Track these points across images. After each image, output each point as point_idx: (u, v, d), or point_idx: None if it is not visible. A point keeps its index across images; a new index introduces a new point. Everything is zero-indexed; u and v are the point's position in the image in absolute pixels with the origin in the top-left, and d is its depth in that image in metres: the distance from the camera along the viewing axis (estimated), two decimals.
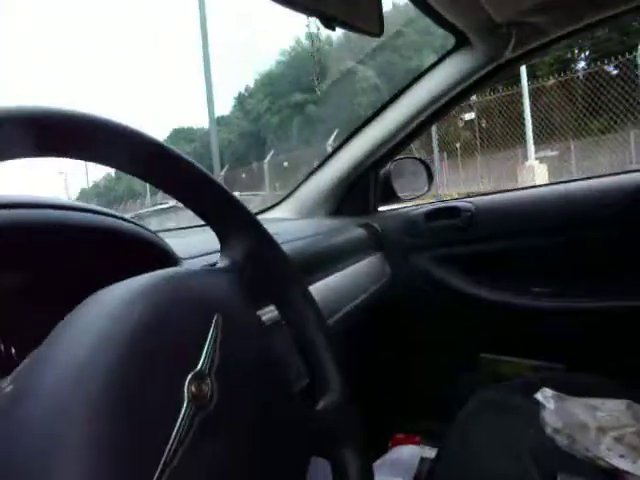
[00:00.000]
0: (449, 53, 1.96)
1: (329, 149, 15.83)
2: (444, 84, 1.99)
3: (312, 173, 2.29)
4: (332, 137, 16.15)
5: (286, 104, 31.88)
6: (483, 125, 18.21)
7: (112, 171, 61.75)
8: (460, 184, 17.52)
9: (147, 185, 31.31)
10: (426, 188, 2.37)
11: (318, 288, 1.48)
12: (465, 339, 2.24)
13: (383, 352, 2.32)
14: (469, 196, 2.32)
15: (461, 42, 1.89)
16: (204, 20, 18.10)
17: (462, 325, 2.23)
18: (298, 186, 2.31)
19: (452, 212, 2.19)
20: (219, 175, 19.06)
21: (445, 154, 18.43)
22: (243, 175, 22.41)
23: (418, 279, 2.24)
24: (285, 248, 1.03)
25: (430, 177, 2.38)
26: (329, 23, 1.05)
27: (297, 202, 2.28)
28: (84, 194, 64.57)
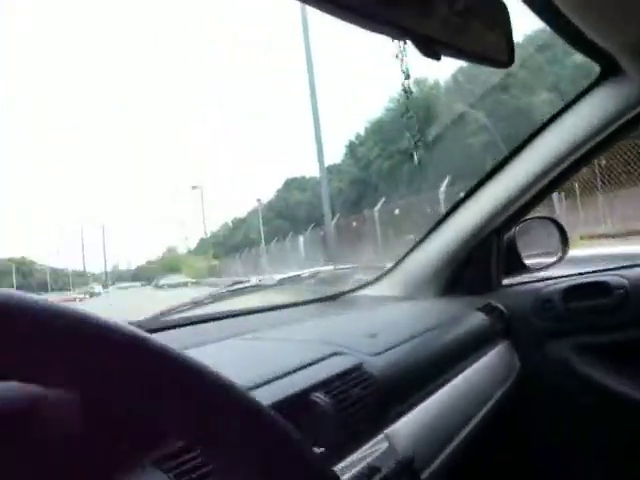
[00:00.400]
0: (592, 87, 1.53)
1: (441, 196, 15.36)
2: (588, 126, 1.56)
3: (421, 241, 1.90)
4: (444, 184, 15.66)
5: (396, 150, 31.65)
6: (602, 163, 17.19)
7: (229, 220, 64.38)
8: (580, 226, 16.47)
9: (262, 233, 31.94)
10: (560, 254, 1.92)
11: (424, 412, 1.15)
12: (623, 454, 1.74)
13: (513, 476, 1.84)
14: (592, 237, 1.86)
15: (608, 71, 1.47)
16: (312, 73, 18.33)
17: (617, 435, 1.74)
18: (404, 257, 1.93)
19: (599, 288, 1.73)
20: (330, 224, 18.97)
21: (563, 195, 17.44)
22: (354, 224, 22.24)
23: (555, 374, 1.78)
24: (383, 360, 0.99)
25: (565, 240, 1.94)
26: (432, 51, 0.67)
27: (402, 277, 1.91)
28: (202, 243, 67.40)
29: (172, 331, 1.50)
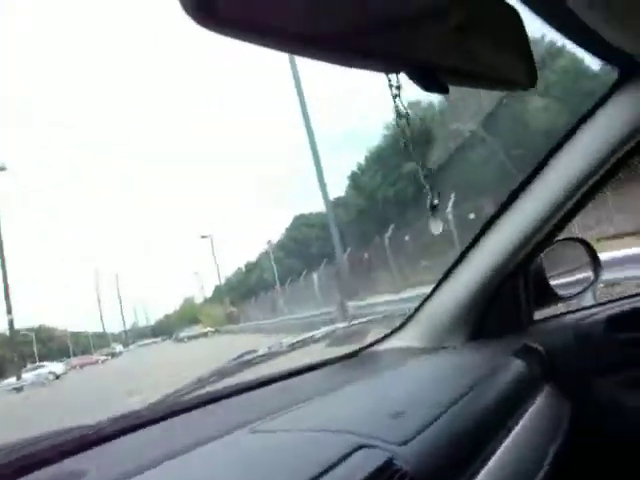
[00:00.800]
0: (610, 94, 1.38)
1: (449, 217, 15.16)
2: (610, 138, 1.40)
3: (440, 284, 1.73)
4: (450, 204, 15.44)
5: (399, 175, 31.61)
6: None
7: (242, 265, 64.41)
8: (591, 228, 15.92)
9: (275, 274, 31.80)
10: (592, 276, 1.75)
11: None
12: None
13: None
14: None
15: (629, 74, 1.31)
16: (307, 115, 18.37)
17: None
18: (424, 302, 1.76)
19: None
20: (342, 258, 18.82)
21: None
22: (366, 255, 22.06)
23: (610, 416, 1.58)
24: (416, 449, 0.85)
25: (596, 261, 1.76)
26: (435, 82, 0.52)
27: (425, 324, 1.74)
28: (218, 291, 67.51)
29: (175, 420, 1.35)
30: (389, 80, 0.55)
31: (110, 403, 10.02)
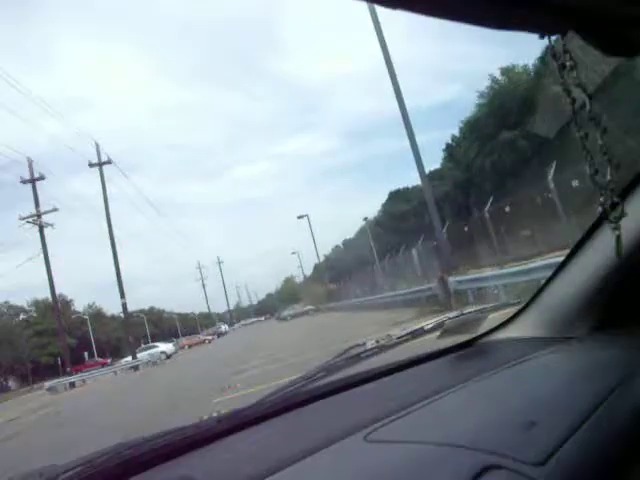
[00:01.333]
0: None
1: (551, 185, 14.49)
2: None
3: (563, 266, 1.53)
4: (551, 171, 14.70)
5: (495, 145, 30.67)
6: None
7: (339, 242, 64.85)
8: None
9: (374, 250, 31.61)
10: None
11: None
12: None
13: None
14: None
15: None
16: (397, 84, 18.02)
17: None
18: (544, 287, 1.59)
19: None
20: (441, 232, 18.45)
21: None
22: (465, 229, 21.52)
23: None
24: (554, 472, 0.74)
25: None
26: (621, 44, 0.39)
27: (545, 312, 1.58)
28: (317, 269, 68.34)
29: (280, 419, 1.28)
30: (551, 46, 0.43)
31: (217, 386, 10.30)
